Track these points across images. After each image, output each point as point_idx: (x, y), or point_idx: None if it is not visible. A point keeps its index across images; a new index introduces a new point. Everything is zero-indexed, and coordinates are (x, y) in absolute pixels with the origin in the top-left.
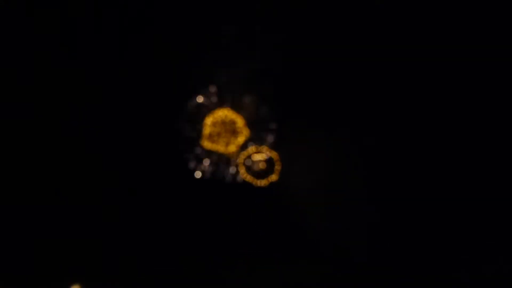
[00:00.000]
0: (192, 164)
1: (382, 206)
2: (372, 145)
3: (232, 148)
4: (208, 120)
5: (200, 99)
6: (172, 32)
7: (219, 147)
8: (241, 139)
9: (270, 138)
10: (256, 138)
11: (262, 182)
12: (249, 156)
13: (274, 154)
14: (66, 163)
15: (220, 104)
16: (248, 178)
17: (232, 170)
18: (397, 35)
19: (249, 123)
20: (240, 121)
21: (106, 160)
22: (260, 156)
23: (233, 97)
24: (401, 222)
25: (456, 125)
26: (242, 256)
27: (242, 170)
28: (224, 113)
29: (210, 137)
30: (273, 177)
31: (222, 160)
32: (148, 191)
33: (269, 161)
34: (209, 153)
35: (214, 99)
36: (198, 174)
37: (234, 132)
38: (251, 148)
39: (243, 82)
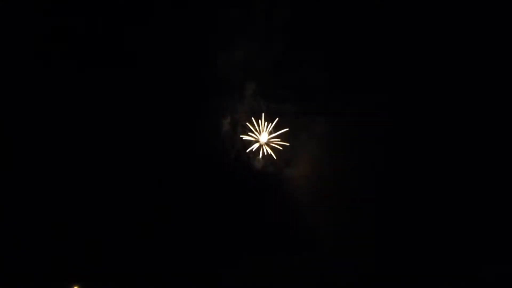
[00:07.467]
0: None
1: (383, 206)
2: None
3: None
4: None
5: None
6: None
7: None
8: None
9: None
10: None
11: None
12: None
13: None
14: (69, 163)
15: None
16: None
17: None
18: (397, 33)
19: None
20: None
21: (109, 160)
22: None
23: None
24: (402, 222)
25: (459, 126)
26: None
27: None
28: None
29: None
30: None
31: None
32: (146, 191)
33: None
34: None
35: None
36: None
37: None
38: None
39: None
